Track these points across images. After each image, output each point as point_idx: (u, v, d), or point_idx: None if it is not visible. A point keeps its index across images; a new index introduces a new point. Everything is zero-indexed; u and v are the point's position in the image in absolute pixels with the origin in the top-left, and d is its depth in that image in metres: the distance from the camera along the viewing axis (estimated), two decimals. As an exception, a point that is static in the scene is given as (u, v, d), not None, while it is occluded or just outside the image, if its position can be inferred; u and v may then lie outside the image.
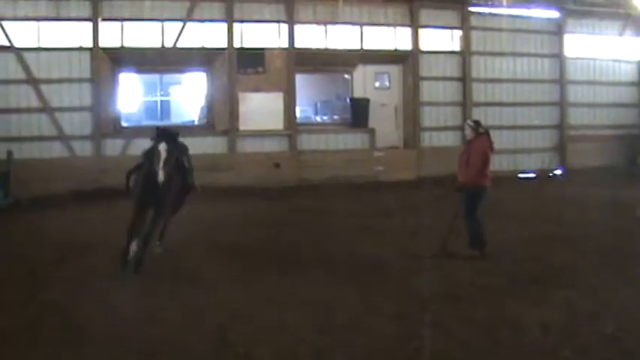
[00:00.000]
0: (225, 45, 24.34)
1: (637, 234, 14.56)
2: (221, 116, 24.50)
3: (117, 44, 23.35)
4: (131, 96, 26.87)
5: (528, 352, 7.90)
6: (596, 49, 30.39)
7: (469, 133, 12.98)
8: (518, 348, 8.00)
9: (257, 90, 24.59)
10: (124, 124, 24.66)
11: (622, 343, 8.05)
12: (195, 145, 23.12)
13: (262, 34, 24.90)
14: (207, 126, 24.92)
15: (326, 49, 25.55)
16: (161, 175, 11.03)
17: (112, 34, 23.32)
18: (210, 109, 25.08)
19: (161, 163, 11.12)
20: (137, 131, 22.84)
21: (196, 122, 26.04)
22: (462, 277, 11.22)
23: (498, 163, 25.23)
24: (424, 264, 11.92)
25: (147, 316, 9.09)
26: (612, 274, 11.27)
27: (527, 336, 8.36)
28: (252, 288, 10.60)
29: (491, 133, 13.04)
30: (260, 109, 24.53)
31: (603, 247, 13.50)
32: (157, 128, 12.03)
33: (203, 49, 24.31)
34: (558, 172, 28.66)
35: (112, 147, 23.26)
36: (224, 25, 24.32)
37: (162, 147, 11.28)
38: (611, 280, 10.86)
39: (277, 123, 24.85)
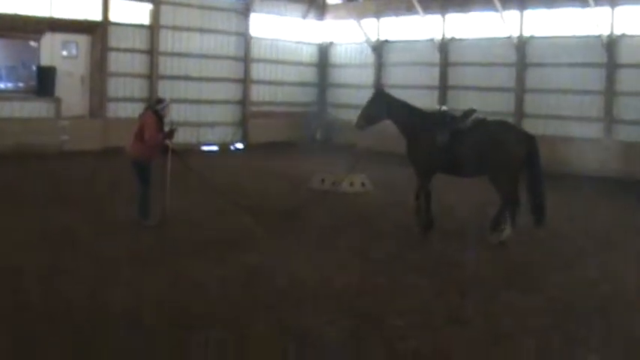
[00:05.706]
0: None
1: (312, 202, 15.78)
2: None
3: None
4: None
5: (206, 301, 9.02)
6: (281, 31, 32.38)
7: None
8: (200, 298, 9.14)
9: None
10: None
11: (290, 294, 9.41)
12: None
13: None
14: None
15: (13, 14, 24.83)
16: None
17: None
18: None
19: None
20: None
21: None
22: (148, 241, 12.09)
23: (182, 136, 26.38)
24: (111, 230, 12.75)
25: None
26: (290, 239, 12.70)
27: (205, 288, 9.54)
28: None
29: (176, 106, 13.50)
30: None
31: (281, 213, 14.72)
32: None
33: None
34: (240, 145, 30.33)
35: None
36: None
37: None
38: (288, 243, 12.26)
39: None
